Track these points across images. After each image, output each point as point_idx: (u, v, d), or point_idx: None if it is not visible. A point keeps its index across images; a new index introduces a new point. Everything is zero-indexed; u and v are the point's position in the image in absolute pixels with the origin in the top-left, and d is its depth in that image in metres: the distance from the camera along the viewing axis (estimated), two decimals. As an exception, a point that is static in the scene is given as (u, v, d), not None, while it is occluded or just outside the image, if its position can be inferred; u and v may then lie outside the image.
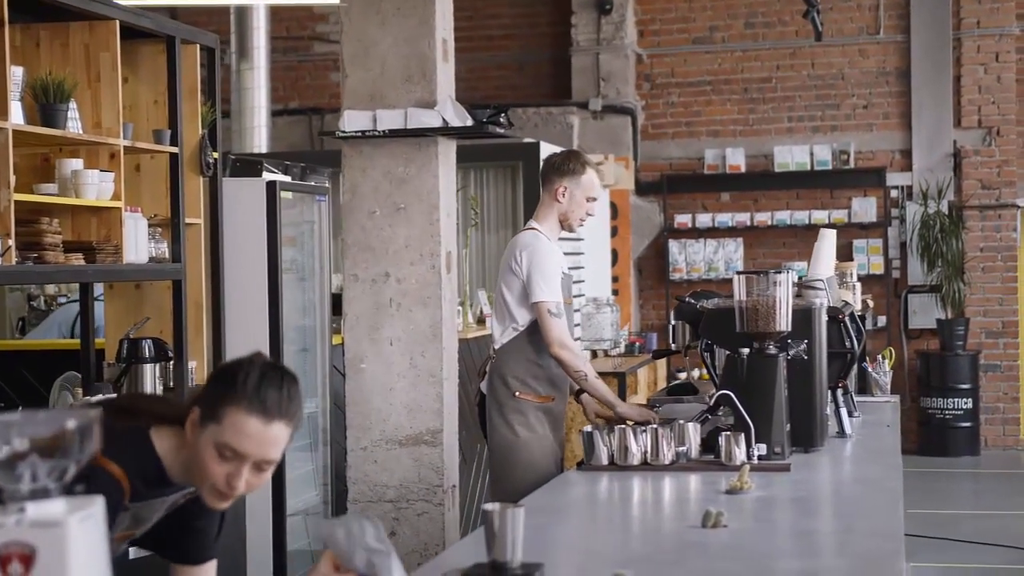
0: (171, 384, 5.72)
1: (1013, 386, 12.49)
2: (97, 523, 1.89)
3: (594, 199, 5.21)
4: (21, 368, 6.42)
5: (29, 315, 8.80)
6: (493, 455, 5.13)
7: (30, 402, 6.02)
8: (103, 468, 2.52)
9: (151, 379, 5.59)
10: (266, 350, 6.21)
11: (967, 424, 12.11)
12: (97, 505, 1.89)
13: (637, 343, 10.81)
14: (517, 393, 5.06)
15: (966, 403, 12.08)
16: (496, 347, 5.16)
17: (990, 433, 12.41)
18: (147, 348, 5.46)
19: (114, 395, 5.14)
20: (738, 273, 4.43)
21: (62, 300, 8.68)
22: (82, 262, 5.14)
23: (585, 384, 5.04)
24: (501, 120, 5.61)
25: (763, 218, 12.64)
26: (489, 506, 2.71)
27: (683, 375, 10.68)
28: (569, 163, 5.19)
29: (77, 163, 5.19)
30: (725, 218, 12.71)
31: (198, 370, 6.02)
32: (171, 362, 5.73)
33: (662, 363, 11.27)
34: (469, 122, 5.41)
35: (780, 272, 4.38)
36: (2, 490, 1.77)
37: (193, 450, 2.57)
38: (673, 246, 12.78)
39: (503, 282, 5.13)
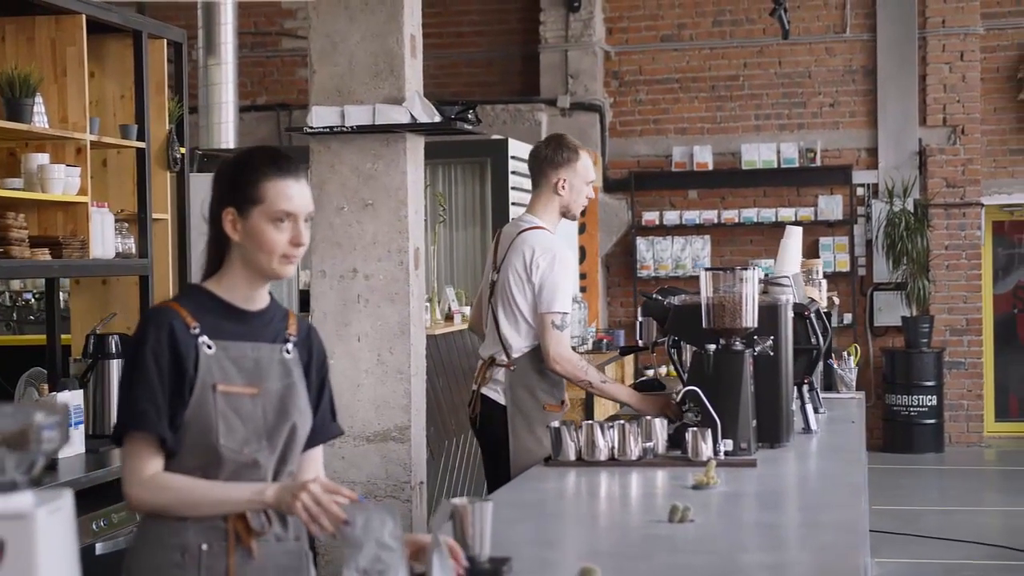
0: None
1: (977, 383, 12.58)
2: (66, 516, 1.89)
3: (592, 181, 5.07)
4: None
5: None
6: (518, 463, 4.86)
7: (-4, 398, 5.99)
8: (154, 307, 2.85)
9: (118, 375, 5.56)
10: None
11: (931, 421, 12.21)
12: (66, 498, 1.90)
13: (605, 340, 10.85)
14: (546, 406, 4.93)
15: (930, 400, 12.17)
16: (514, 355, 4.92)
17: (954, 430, 12.50)
18: (114, 344, 5.42)
19: None
20: (705, 269, 4.45)
21: (27, 296, 8.62)
22: (48, 257, 5.11)
23: (593, 392, 4.91)
24: (469, 117, 5.60)
25: (730, 215, 12.69)
26: (458, 501, 2.72)
27: (651, 372, 10.72)
28: (563, 152, 5.00)
29: (43, 158, 5.16)
30: (693, 215, 12.75)
31: (165, 366, 6.00)
32: (138, 358, 5.72)
33: (630, 360, 11.31)
34: (437, 118, 5.39)
35: (747, 269, 4.40)
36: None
37: (247, 242, 2.84)
38: (641, 243, 12.82)
39: (515, 288, 4.91)
